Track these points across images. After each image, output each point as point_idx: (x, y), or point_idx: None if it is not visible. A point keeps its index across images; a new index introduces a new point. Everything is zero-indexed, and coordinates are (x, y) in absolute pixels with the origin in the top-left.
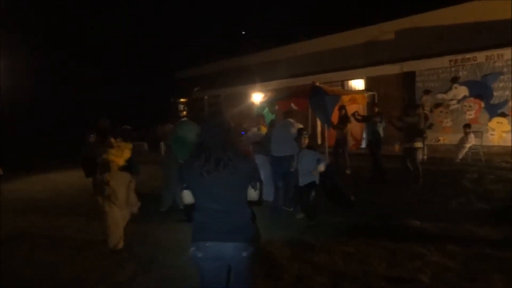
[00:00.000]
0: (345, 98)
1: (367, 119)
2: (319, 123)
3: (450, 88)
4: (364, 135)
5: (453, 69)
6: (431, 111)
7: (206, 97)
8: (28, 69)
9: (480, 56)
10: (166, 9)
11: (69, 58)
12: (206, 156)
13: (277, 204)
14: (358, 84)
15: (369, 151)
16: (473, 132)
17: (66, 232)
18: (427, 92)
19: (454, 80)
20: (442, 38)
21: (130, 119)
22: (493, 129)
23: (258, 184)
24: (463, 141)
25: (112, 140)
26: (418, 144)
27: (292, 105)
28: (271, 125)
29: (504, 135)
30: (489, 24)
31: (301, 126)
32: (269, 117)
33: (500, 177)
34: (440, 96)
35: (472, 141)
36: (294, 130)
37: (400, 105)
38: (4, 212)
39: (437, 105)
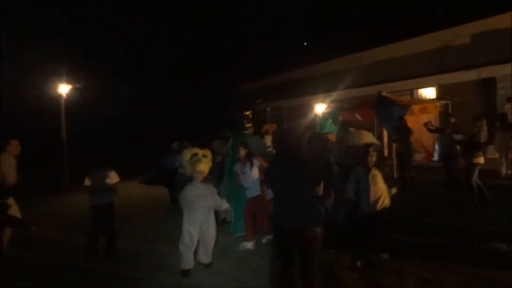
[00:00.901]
0: (415, 108)
1: (440, 130)
2: (385, 134)
3: None
4: (436, 147)
5: None
6: None
7: (268, 109)
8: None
9: None
10: (230, 21)
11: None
12: (283, 160)
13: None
14: (428, 92)
15: (443, 164)
16: None
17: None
18: (510, 99)
19: None
20: None
21: (193, 133)
22: None
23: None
24: None
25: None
26: (481, 160)
27: (357, 115)
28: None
29: None
30: None
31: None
32: (332, 128)
33: None
34: None
35: None
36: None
37: (477, 114)
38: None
39: None
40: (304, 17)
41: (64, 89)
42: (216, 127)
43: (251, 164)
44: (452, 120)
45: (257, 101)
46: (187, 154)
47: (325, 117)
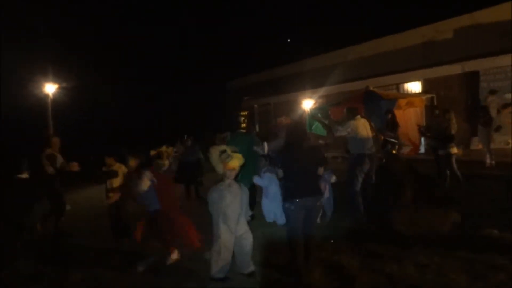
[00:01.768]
0: (402, 102)
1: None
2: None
3: None
4: (422, 140)
5: None
6: (498, 112)
7: (256, 106)
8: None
9: None
10: (215, 20)
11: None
12: (295, 146)
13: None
14: (414, 87)
15: (434, 155)
16: None
17: None
18: (493, 92)
19: None
20: (506, 34)
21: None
22: None
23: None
24: None
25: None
26: (454, 150)
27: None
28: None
29: None
30: None
31: None
32: (319, 131)
33: None
34: (508, 96)
35: None
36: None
37: (462, 106)
38: None
39: (505, 105)
40: (290, 13)
41: (50, 88)
42: (204, 127)
43: (141, 176)
44: (437, 112)
45: (244, 98)
46: (214, 152)
47: (314, 113)
